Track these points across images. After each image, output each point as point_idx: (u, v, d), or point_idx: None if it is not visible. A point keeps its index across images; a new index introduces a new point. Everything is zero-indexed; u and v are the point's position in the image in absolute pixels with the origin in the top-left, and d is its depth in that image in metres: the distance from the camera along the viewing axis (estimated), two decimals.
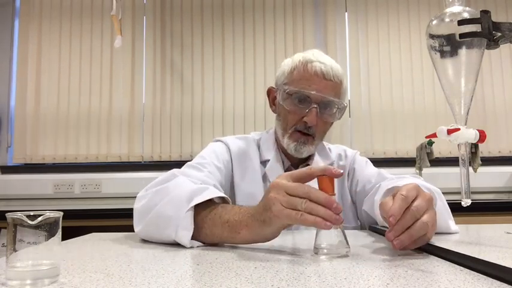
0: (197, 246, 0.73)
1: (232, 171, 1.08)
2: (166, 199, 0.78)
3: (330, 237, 0.62)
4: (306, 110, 1.02)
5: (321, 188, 0.62)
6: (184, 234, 0.72)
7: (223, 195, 0.80)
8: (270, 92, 1.15)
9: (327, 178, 0.63)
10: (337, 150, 1.20)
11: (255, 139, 1.16)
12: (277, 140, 1.13)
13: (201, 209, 0.75)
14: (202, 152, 1.08)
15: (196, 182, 0.85)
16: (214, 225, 0.73)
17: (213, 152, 1.07)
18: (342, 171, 0.63)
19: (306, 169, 0.65)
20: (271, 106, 1.15)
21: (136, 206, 0.84)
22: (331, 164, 1.15)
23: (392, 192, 0.65)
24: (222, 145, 1.12)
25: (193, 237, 0.73)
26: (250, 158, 1.10)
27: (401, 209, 0.60)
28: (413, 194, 0.61)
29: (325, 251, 0.62)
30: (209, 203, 0.77)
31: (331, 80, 1.02)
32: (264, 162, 1.11)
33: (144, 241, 0.80)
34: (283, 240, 0.81)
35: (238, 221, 0.70)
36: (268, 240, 0.70)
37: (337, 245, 0.62)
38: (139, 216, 0.82)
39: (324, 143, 1.18)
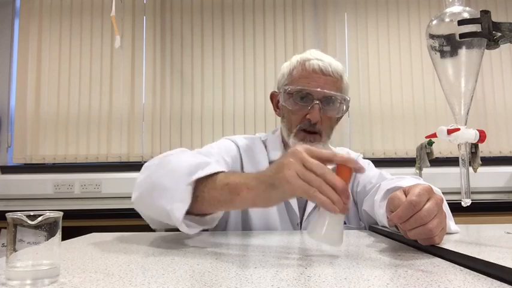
0: (188, 229, 0.72)
1: (242, 168, 1.08)
2: (165, 170, 0.77)
3: (330, 223, 0.60)
4: (308, 107, 1.02)
5: (337, 174, 0.61)
6: (179, 207, 0.70)
7: (225, 170, 0.77)
8: (273, 97, 1.15)
9: (347, 168, 0.61)
10: (341, 152, 1.20)
11: (261, 139, 1.16)
12: (283, 141, 1.13)
13: (201, 183, 0.73)
14: (211, 144, 1.08)
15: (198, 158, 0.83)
16: (213, 188, 0.71)
17: (222, 146, 1.08)
18: (364, 168, 0.62)
19: (329, 153, 0.63)
20: (275, 110, 1.15)
21: (139, 176, 0.83)
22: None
23: (394, 190, 0.65)
24: (230, 142, 1.12)
25: (189, 212, 0.71)
26: (259, 156, 1.10)
27: (407, 217, 0.60)
28: (424, 199, 0.60)
29: (322, 233, 0.60)
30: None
31: (330, 76, 1.02)
32: (271, 163, 1.10)
33: (144, 241, 0.80)
34: (284, 240, 0.81)
35: (239, 183, 0.68)
36: (268, 206, 0.68)
37: (332, 233, 0.60)
38: (138, 184, 0.82)
39: (329, 145, 1.18)
